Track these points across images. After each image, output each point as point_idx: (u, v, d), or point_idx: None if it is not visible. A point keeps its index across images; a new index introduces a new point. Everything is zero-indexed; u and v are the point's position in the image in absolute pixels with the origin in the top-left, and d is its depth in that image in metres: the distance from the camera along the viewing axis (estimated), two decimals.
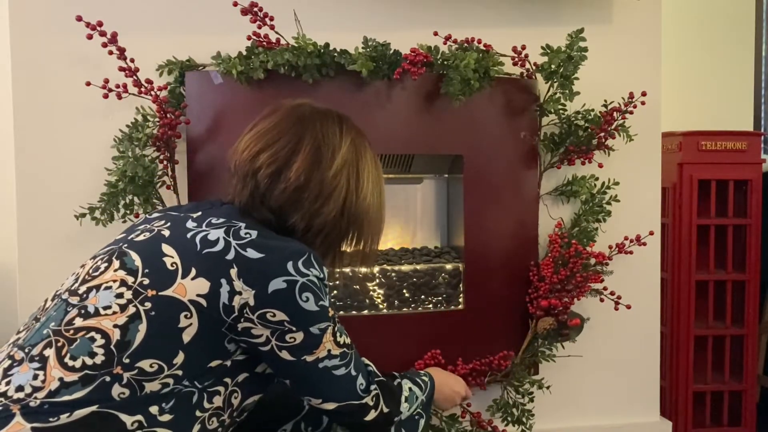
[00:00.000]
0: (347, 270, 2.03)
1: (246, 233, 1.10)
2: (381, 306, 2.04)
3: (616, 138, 2.06)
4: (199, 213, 1.17)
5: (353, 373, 1.19)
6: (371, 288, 2.04)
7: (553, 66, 1.96)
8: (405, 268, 2.06)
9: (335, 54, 1.85)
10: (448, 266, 2.08)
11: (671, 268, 2.60)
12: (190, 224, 1.13)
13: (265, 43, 1.83)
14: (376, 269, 2.04)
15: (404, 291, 2.05)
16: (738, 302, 2.60)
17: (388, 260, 2.08)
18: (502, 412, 2.01)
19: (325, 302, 1.11)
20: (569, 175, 2.13)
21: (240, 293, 1.05)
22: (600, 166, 2.12)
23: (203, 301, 1.04)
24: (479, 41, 1.94)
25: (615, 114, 2.02)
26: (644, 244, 2.10)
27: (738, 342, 2.61)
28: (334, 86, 1.88)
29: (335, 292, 2.01)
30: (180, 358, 1.03)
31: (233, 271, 1.05)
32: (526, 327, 2.07)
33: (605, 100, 2.04)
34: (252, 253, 1.06)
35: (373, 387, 1.23)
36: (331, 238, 1.23)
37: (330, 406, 1.18)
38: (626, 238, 2.11)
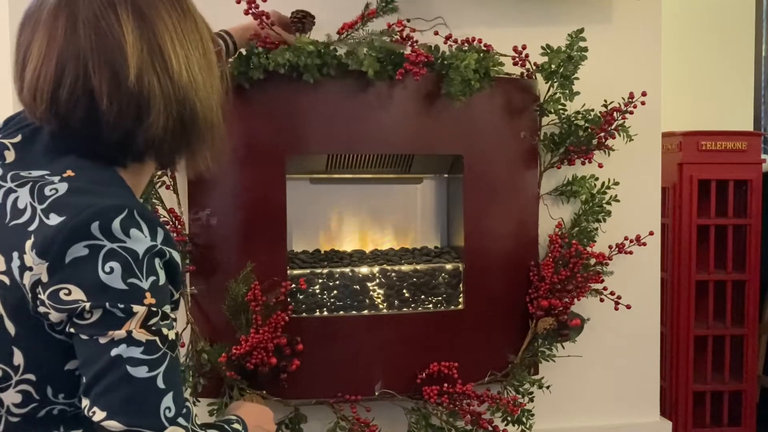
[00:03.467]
0: (347, 270, 2.03)
1: (52, 190, 0.84)
2: (381, 306, 2.04)
3: (616, 138, 2.05)
4: (13, 158, 0.91)
5: (160, 384, 0.83)
6: (371, 288, 2.04)
7: (553, 66, 1.96)
8: (405, 268, 2.06)
9: (340, 54, 1.84)
10: (448, 266, 2.08)
11: (671, 268, 2.60)
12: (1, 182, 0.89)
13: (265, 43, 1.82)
14: (376, 269, 2.04)
15: (404, 291, 2.05)
16: (738, 302, 2.60)
17: (388, 260, 2.08)
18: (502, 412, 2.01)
19: (140, 282, 0.82)
20: (569, 175, 2.13)
21: (30, 269, 0.81)
22: (600, 166, 2.12)
23: (6, 280, 0.84)
24: (479, 41, 1.94)
25: (615, 114, 2.01)
26: (644, 244, 2.10)
27: (738, 342, 2.61)
28: (334, 86, 1.88)
29: (335, 292, 2.01)
30: (19, 358, 0.85)
31: (28, 242, 0.82)
32: (526, 327, 2.06)
33: (605, 100, 2.04)
34: (53, 218, 0.82)
35: (183, 423, 0.85)
36: (178, 141, 0.94)
37: (113, 425, 0.80)
38: (626, 238, 2.10)
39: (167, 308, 0.86)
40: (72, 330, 0.82)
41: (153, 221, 0.85)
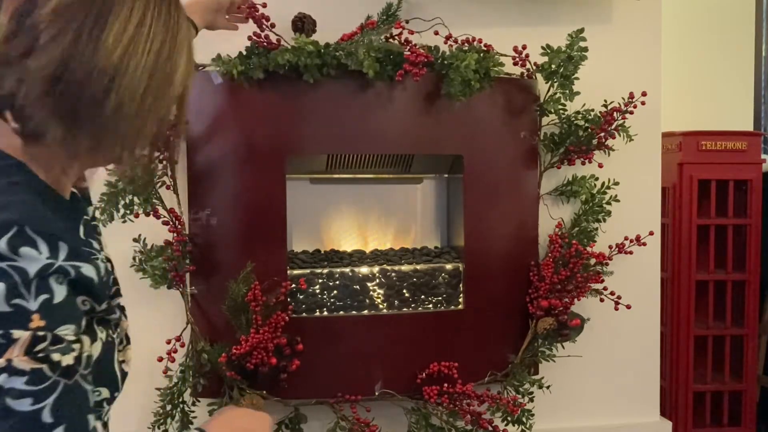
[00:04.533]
0: (347, 270, 2.03)
1: None
2: (381, 306, 2.04)
3: (616, 138, 2.05)
4: None
5: (47, 419, 0.72)
6: (371, 288, 2.04)
7: (553, 66, 1.96)
8: (405, 268, 2.06)
9: (340, 55, 1.84)
10: (448, 266, 2.08)
11: (671, 268, 2.60)
12: None
13: (265, 43, 1.82)
14: (376, 269, 2.04)
15: (404, 291, 2.05)
16: (738, 302, 2.60)
17: (388, 260, 2.08)
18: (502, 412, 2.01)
19: (27, 303, 0.71)
20: (569, 175, 2.13)
21: None
22: (600, 166, 2.12)
23: None
24: (479, 41, 1.94)
25: (615, 114, 2.02)
26: (644, 244, 2.10)
27: (738, 342, 2.61)
28: (334, 87, 1.88)
29: (335, 292, 2.01)
30: None
31: None
32: (526, 327, 2.06)
33: (605, 100, 2.04)
34: None
35: None
36: (54, 115, 0.76)
37: None
38: (626, 238, 2.10)
39: (66, 329, 0.74)
40: None
41: (53, 236, 0.73)
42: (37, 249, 0.72)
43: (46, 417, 0.71)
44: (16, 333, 0.70)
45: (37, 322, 0.71)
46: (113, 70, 0.75)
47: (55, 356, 0.72)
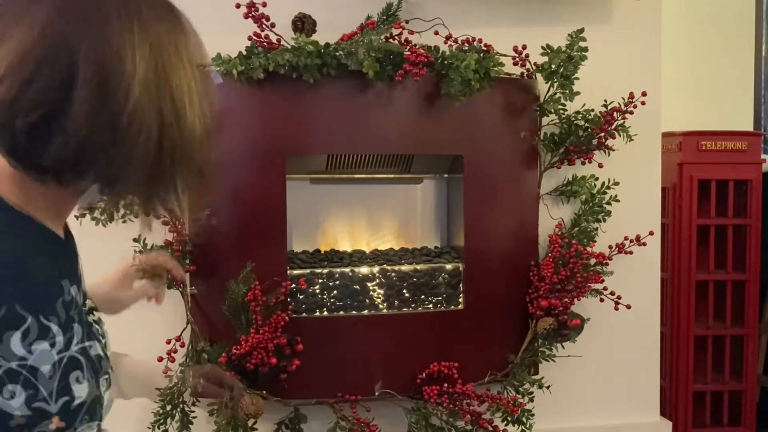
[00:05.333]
0: (347, 270, 2.03)
1: None
2: (381, 306, 2.04)
3: (616, 138, 2.06)
4: None
5: None
6: (371, 288, 2.04)
7: (553, 66, 1.96)
8: (405, 268, 2.06)
9: (340, 55, 1.84)
10: (448, 266, 2.08)
11: (671, 268, 2.60)
12: None
13: (265, 43, 1.82)
14: (376, 269, 2.04)
15: (404, 291, 2.05)
16: (738, 302, 2.60)
17: (388, 260, 2.08)
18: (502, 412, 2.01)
19: (49, 404, 0.67)
20: (569, 175, 2.13)
21: None
22: (600, 166, 2.12)
23: None
24: (479, 41, 1.94)
25: (615, 114, 2.02)
26: (644, 244, 2.10)
27: (738, 342, 2.61)
28: (334, 87, 1.88)
29: (335, 292, 2.01)
30: None
31: None
32: (526, 327, 2.06)
33: (605, 100, 2.04)
34: None
35: None
36: (147, 195, 0.78)
37: None
38: (626, 238, 2.10)
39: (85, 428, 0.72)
40: None
41: (55, 318, 0.69)
42: (51, 341, 0.68)
43: None
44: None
45: (57, 423, 0.68)
46: (191, 132, 0.74)
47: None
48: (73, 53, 0.67)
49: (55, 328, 0.68)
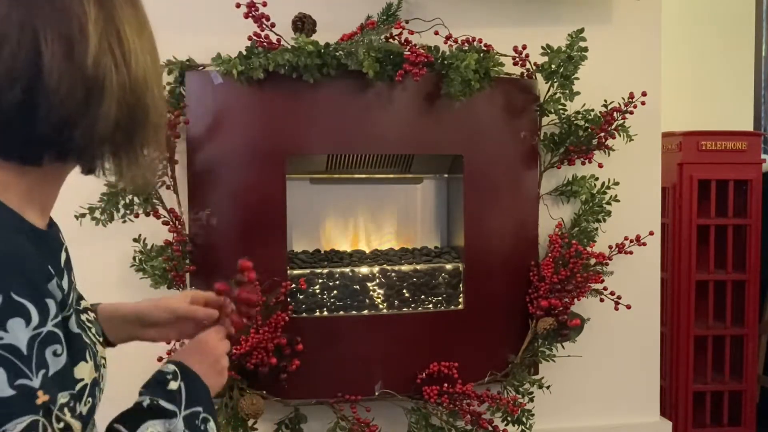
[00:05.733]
0: (347, 270, 2.03)
1: None
2: (381, 306, 2.04)
3: (616, 138, 2.06)
4: None
5: None
6: (371, 288, 2.04)
7: (553, 66, 1.96)
8: (405, 268, 2.06)
9: (340, 55, 1.84)
10: (448, 266, 2.08)
11: (671, 268, 2.60)
12: None
13: (265, 43, 1.82)
14: (376, 269, 2.04)
15: (404, 291, 2.05)
16: (738, 302, 2.60)
17: (388, 260, 2.08)
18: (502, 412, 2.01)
19: (30, 379, 0.68)
20: (569, 175, 2.13)
21: None
22: (600, 166, 2.12)
23: None
24: (479, 41, 1.94)
25: (615, 114, 2.02)
26: (644, 244, 2.10)
27: (738, 342, 2.61)
28: (334, 87, 1.88)
29: (335, 292, 2.01)
30: None
31: None
32: (526, 327, 2.06)
33: (605, 100, 2.04)
34: None
35: None
36: (119, 143, 0.78)
37: None
38: (626, 238, 2.10)
39: (64, 397, 0.72)
40: None
41: (32, 295, 0.69)
42: (25, 318, 0.68)
43: None
44: (23, 419, 0.67)
45: (42, 397, 0.68)
46: (147, 87, 0.78)
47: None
48: (31, 23, 0.71)
49: (28, 304, 0.68)
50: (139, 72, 0.77)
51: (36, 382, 0.68)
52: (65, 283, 0.77)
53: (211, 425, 0.91)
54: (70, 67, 0.72)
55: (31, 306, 0.68)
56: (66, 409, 0.72)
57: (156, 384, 0.89)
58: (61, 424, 0.71)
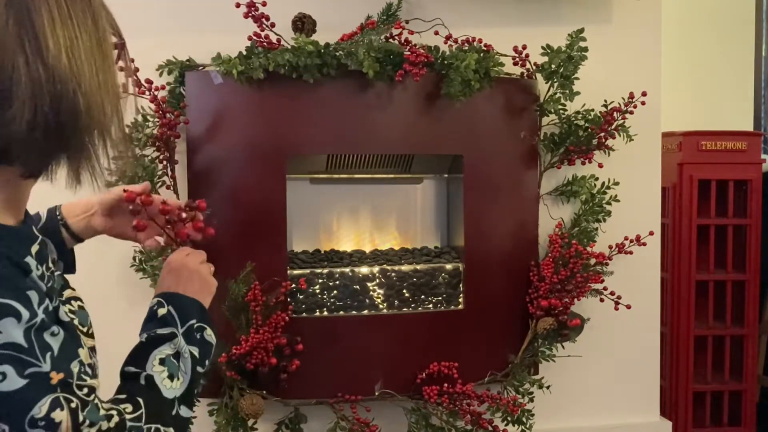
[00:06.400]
0: (347, 270, 2.03)
1: None
2: (381, 306, 2.04)
3: (616, 138, 2.05)
4: None
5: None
6: (371, 288, 2.04)
7: (553, 66, 1.96)
8: (405, 268, 2.06)
9: (340, 55, 1.84)
10: (448, 266, 2.08)
11: (671, 268, 2.60)
12: None
13: (265, 43, 1.82)
14: (376, 269, 2.04)
15: (404, 291, 2.05)
16: (738, 302, 2.60)
17: (388, 260, 2.08)
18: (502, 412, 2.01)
19: (39, 365, 0.72)
20: (569, 175, 2.13)
21: None
22: (600, 166, 2.12)
23: None
24: (479, 41, 1.94)
25: (615, 114, 2.02)
26: (644, 244, 2.10)
27: (738, 342, 2.61)
28: (334, 87, 1.88)
29: (335, 292, 2.01)
30: None
31: None
32: (526, 327, 2.06)
33: (605, 100, 2.04)
34: None
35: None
36: (53, 144, 0.75)
37: None
38: (626, 238, 2.10)
39: (75, 366, 0.75)
40: None
41: (21, 290, 0.72)
42: (14, 316, 0.70)
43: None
44: (57, 415, 0.72)
45: (56, 377, 0.72)
46: (74, 83, 0.73)
47: (103, 425, 0.76)
48: None
49: (13, 302, 0.70)
50: (60, 66, 0.72)
51: (46, 366, 0.72)
52: (42, 273, 0.79)
53: (208, 332, 0.95)
54: None
55: (17, 303, 0.70)
56: (82, 375, 0.76)
57: (147, 321, 0.93)
58: (84, 390, 0.75)
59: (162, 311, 0.93)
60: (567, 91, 1.98)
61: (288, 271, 1.93)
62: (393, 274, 2.05)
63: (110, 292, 1.91)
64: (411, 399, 1.98)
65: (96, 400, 0.77)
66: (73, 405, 0.73)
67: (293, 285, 1.91)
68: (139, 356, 0.90)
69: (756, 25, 3.47)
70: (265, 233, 1.90)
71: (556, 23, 2.10)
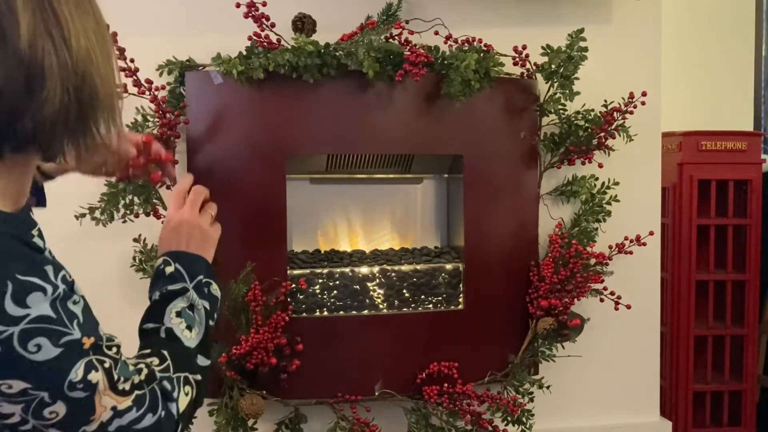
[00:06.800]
0: (347, 270, 2.03)
1: None
2: (381, 306, 2.04)
3: (616, 138, 2.05)
4: None
5: (161, 413, 0.84)
6: (371, 288, 2.04)
7: (553, 66, 1.96)
8: (405, 268, 2.06)
9: (340, 55, 1.84)
10: (448, 266, 2.08)
11: (671, 268, 2.60)
12: None
13: (265, 43, 1.82)
14: (376, 269, 2.04)
15: (404, 291, 2.05)
16: (738, 302, 2.60)
17: (388, 260, 2.08)
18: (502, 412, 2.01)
19: (71, 332, 0.75)
20: (569, 175, 2.13)
21: None
22: (600, 166, 2.12)
23: None
24: (479, 41, 1.94)
25: (615, 114, 2.02)
26: (644, 244, 2.10)
27: (738, 342, 2.61)
28: (334, 87, 1.88)
29: (335, 292, 2.01)
30: None
31: None
32: (526, 327, 2.06)
33: (605, 100, 2.04)
34: None
35: (175, 409, 0.86)
36: (72, 126, 0.77)
37: None
38: (626, 238, 2.10)
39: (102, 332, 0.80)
40: (36, 428, 0.75)
41: (35, 266, 0.74)
42: (40, 291, 0.73)
43: (160, 411, 0.83)
44: (93, 376, 0.76)
45: (87, 342, 0.76)
46: (93, 66, 0.76)
47: (126, 372, 0.81)
48: None
49: (33, 279, 0.73)
50: (81, 50, 0.75)
51: (77, 334, 0.75)
52: (50, 251, 0.82)
53: (214, 287, 1.01)
54: (3, 54, 0.70)
55: (38, 279, 0.73)
56: (110, 334, 0.81)
57: (156, 279, 0.99)
58: (113, 350, 0.80)
59: (170, 269, 0.98)
60: (567, 91, 1.98)
61: (288, 271, 1.93)
62: (393, 274, 2.05)
63: (110, 292, 1.91)
64: (411, 399, 1.98)
65: (123, 357, 0.82)
66: (106, 365, 0.78)
67: (293, 285, 1.91)
68: (155, 313, 0.95)
69: (756, 25, 3.47)
70: (265, 233, 1.90)
71: (556, 23, 2.10)
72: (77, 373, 0.74)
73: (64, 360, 0.73)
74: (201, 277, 0.99)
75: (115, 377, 0.79)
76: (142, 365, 0.85)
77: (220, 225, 1.12)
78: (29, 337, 0.71)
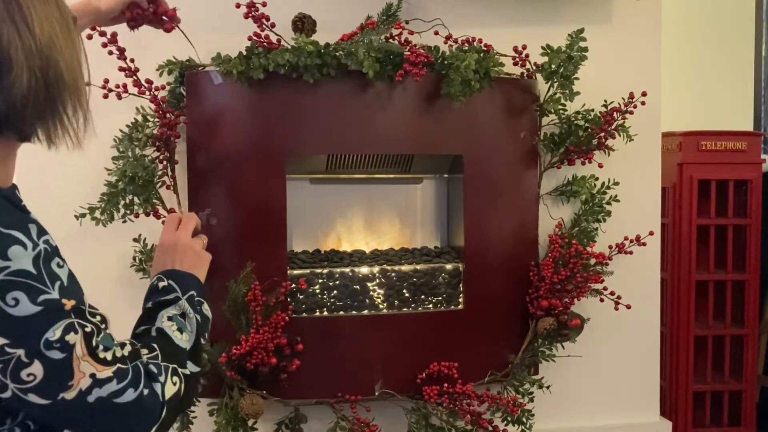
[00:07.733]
0: (347, 270, 2.03)
1: None
2: (381, 306, 2.04)
3: (616, 138, 2.06)
4: None
5: (143, 390, 0.82)
6: (371, 288, 2.04)
7: (553, 66, 1.96)
8: (405, 268, 2.06)
9: (340, 55, 1.84)
10: (448, 266, 2.08)
11: (671, 268, 2.60)
12: None
13: (265, 43, 1.82)
14: (376, 269, 2.04)
15: (404, 291, 2.05)
16: (738, 302, 2.60)
17: (388, 260, 2.08)
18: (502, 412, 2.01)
19: (50, 293, 0.75)
20: (569, 175, 2.13)
21: None
22: (600, 166, 2.12)
23: None
24: (479, 41, 1.94)
25: (615, 114, 2.02)
26: (644, 244, 2.10)
27: (738, 342, 2.61)
28: (334, 87, 1.88)
29: (335, 292, 2.01)
30: None
31: None
32: (526, 327, 2.07)
33: (605, 100, 2.04)
34: None
35: (160, 390, 0.85)
36: (42, 107, 0.80)
37: None
38: (626, 238, 2.10)
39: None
40: (14, 392, 0.75)
41: (21, 221, 0.76)
42: (20, 244, 0.74)
43: (143, 389, 0.82)
44: (71, 338, 0.76)
45: (68, 304, 0.77)
46: (56, 51, 0.80)
47: (117, 351, 0.81)
48: None
49: (16, 233, 0.75)
50: (44, 35, 0.79)
51: (56, 294, 0.75)
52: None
53: (205, 307, 1.02)
54: None
55: (20, 234, 0.75)
56: (92, 307, 0.81)
57: (149, 294, 1.00)
58: (97, 318, 0.81)
59: (162, 284, 0.99)
60: (567, 91, 1.98)
61: (288, 271, 1.93)
62: (393, 274, 2.05)
63: (110, 292, 1.91)
64: (411, 399, 1.98)
65: (109, 330, 0.82)
66: (87, 329, 0.77)
67: (293, 285, 1.91)
68: (147, 318, 0.95)
69: (756, 25, 3.47)
70: (265, 233, 1.90)
71: (556, 23, 2.10)
72: (55, 332, 0.74)
73: (43, 318, 0.74)
74: (193, 292, 1.00)
75: (94, 343, 0.78)
76: (126, 342, 0.85)
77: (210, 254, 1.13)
78: (7, 289, 0.72)
